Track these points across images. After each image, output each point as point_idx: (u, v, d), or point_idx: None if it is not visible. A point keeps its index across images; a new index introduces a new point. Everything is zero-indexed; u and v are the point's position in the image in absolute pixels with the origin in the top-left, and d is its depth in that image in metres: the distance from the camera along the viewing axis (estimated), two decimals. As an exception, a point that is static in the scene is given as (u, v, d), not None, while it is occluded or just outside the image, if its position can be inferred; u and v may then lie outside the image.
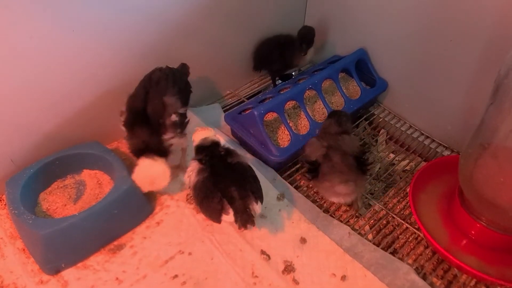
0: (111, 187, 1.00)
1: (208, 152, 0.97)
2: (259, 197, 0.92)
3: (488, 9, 1.01)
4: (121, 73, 1.13)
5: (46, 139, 1.07)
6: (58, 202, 1.04)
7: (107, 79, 1.11)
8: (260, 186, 0.96)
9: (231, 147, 1.01)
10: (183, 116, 1.05)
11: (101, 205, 0.94)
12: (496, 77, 0.79)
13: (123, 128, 1.00)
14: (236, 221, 0.88)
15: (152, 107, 0.98)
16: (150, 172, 0.97)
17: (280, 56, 1.38)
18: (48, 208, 1.02)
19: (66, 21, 0.96)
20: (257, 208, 0.90)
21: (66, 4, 0.94)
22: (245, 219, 0.87)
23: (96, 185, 1.08)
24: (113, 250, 0.97)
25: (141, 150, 0.97)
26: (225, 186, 0.90)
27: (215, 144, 1.00)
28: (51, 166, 1.05)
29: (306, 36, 1.35)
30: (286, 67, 1.44)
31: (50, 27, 0.94)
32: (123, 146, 1.23)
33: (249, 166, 0.98)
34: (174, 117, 0.99)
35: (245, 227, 0.87)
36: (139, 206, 1.03)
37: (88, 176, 1.10)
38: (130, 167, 1.13)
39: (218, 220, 0.91)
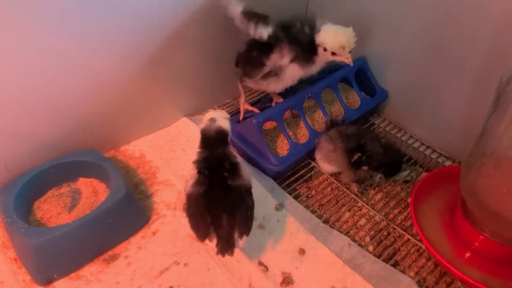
0: (106, 196, 0.98)
1: (210, 164, 0.91)
2: (246, 231, 0.87)
3: (488, 18, 1.01)
4: (119, 81, 1.12)
5: (42, 147, 1.05)
6: (53, 210, 1.02)
7: (105, 87, 1.10)
8: (252, 216, 0.90)
9: (238, 162, 0.93)
10: None
11: (96, 214, 0.92)
12: (497, 85, 0.78)
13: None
14: (216, 246, 0.85)
15: None
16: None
17: None
18: (42, 216, 1.01)
19: (64, 28, 0.95)
20: (240, 242, 0.87)
21: (63, 11, 0.93)
22: (225, 248, 0.84)
23: (91, 193, 1.06)
24: (107, 261, 0.95)
25: None
26: (216, 211, 0.86)
27: (221, 155, 0.92)
28: (46, 174, 1.04)
29: None
30: None
31: (47, 34, 0.94)
32: (120, 154, 1.22)
33: (248, 191, 0.91)
34: None
35: (223, 255, 0.84)
36: (134, 215, 1.01)
37: (84, 184, 1.09)
38: (126, 176, 1.12)
39: (201, 241, 0.89)
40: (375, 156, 1.09)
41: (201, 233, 0.87)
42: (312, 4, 1.48)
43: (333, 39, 1.04)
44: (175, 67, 1.23)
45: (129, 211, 0.99)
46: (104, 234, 0.95)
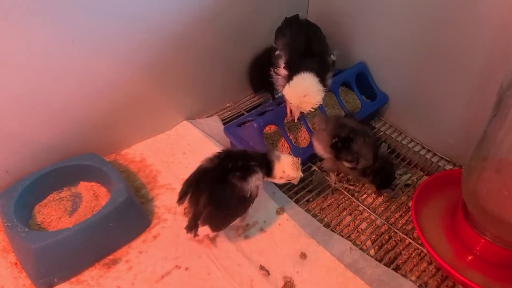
0: (107, 200, 0.98)
1: (235, 155, 0.94)
2: (208, 224, 0.88)
3: (488, 22, 1.01)
4: (119, 84, 1.12)
5: (43, 150, 1.05)
6: (53, 214, 1.02)
7: (106, 90, 1.11)
8: (224, 221, 0.92)
9: (256, 170, 0.92)
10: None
11: (96, 218, 0.92)
12: (498, 89, 0.78)
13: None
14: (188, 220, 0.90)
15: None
16: (303, 86, 1.01)
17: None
18: (43, 220, 1.00)
19: (65, 32, 0.96)
20: (202, 230, 0.89)
21: (65, 14, 0.94)
22: (190, 226, 0.89)
23: (92, 197, 1.06)
24: (108, 265, 0.94)
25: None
26: (202, 189, 0.89)
27: (249, 155, 0.95)
28: (47, 178, 1.04)
29: None
30: None
31: (48, 37, 0.94)
32: (121, 158, 1.22)
33: (241, 198, 0.89)
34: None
35: (188, 231, 0.89)
36: (135, 219, 1.01)
37: (84, 188, 1.08)
38: (127, 180, 1.12)
39: (177, 201, 0.92)
40: (359, 156, 1.07)
41: (180, 194, 0.92)
42: (312, 7, 1.49)
43: (289, 95, 1.04)
44: (176, 71, 1.23)
45: (130, 215, 0.99)
46: (105, 238, 0.94)
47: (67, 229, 0.89)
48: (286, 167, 0.96)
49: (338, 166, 1.13)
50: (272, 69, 1.13)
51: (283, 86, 1.06)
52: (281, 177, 0.98)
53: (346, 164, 1.10)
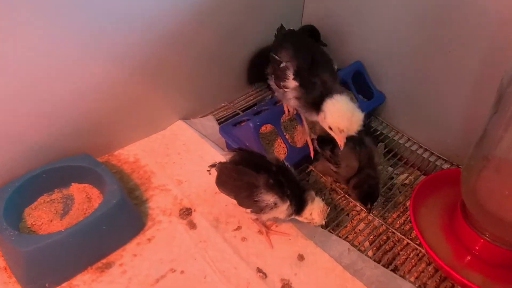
0: (100, 202, 0.95)
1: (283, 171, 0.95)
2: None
3: (486, 20, 1.00)
4: (112, 83, 1.10)
5: (33, 151, 1.02)
6: (44, 217, 0.99)
7: (98, 90, 1.08)
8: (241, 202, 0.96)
9: (285, 200, 0.92)
10: None
11: (89, 220, 0.90)
12: (498, 86, 0.77)
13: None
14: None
15: None
16: (346, 106, 0.94)
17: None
18: (33, 223, 0.97)
19: (59, 30, 0.93)
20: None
21: (59, 12, 0.91)
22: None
23: (84, 199, 1.03)
24: (101, 269, 0.92)
25: None
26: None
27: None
28: (38, 180, 1.01)
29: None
30: None
31: (41, 36, 0.91)
32: (114, 158, 1.20)
33: (251, 199, 0.92)
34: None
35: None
36: (129, 221, 0.99)
37: (76, 190, 1.06)
38: (121, 181, 1.10)
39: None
40: (339, 159, 1.07)
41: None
42: (307, 9, 1.48)
43: (335, 119, 0.94)
44: (170, 70, 1.21)
45: (123, 218, 0.96)
46: (98, 241, 0.92)
47: (59, 232, 0.87)
48: (316, 211, 0.94)
49: (327, 168, 1.13)
50: (274, 82, 1.08)
51: (293, 99, 1.01)
52: (305, 218, 0.96)
53: (330, 167, 1.10)
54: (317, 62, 1.01)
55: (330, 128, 0.96)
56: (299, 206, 0.94)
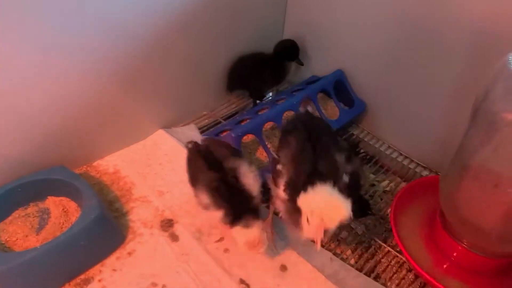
0: (78, 216, 0.93)
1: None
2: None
3: (465, 31, 1.03)
4: (90, 92, 1.07)
5: (7, 164, 0.99)
6: (19, 232, 0.96)
7: (75, 99, 1.05)
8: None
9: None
10: None
11: (67, 236, 0.87)
12: (474, 101, 0.79)
13: None
14: None
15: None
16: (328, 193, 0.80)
17: (258, 74, 1.37)
18: (8, 239, 0.94)
19: (30, 39, 0.90)
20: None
21: (30, 20, 0.88)
22: None
23: (61, 213, 1.00)
24: (80, 285, 0.89)
25: None
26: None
27: None
28: (12, 194, 0.97)
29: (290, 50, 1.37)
30: (266, 86, 1.43)
31: (13, 43, 0.88)
32: (93, 170, 1.17)
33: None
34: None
35: None
36: (109, 235, 0.97)
37: (53, 203, 1.02)
38: (100, 193, 1.07)
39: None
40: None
41: None
42: (289, 16, 1.48)
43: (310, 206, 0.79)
44: (149, 78, 1.19)
45: (103, 232, 0.94)
46: (76, 257, 0.89)
47: (34, 249, 0.84)
48: (242, 237, 0.87)
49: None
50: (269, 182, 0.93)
51: (284, 212, 0.88)
52: (236, 235, 0.88)
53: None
54: (319, 173, 0.83)
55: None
56: (235, 220, 0.85)
